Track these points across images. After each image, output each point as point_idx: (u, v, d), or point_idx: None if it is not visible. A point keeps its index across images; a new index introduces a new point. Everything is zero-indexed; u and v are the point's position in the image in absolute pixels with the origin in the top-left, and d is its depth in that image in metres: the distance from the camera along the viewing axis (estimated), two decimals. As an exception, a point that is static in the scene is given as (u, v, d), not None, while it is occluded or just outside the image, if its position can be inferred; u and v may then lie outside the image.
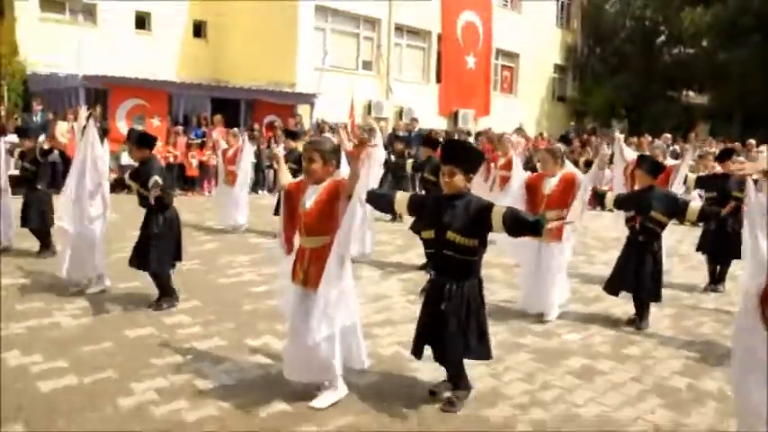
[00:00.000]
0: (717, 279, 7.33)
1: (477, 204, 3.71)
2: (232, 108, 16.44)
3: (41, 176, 7.57)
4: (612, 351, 5.15)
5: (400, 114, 20.11)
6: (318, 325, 3.59)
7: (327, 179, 3.80)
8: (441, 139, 8.95)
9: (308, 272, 3.77)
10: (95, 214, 6.00)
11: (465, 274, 3.74)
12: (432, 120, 21.17)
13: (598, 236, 10.05)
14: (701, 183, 7.70)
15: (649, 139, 17.64)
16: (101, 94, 14.64)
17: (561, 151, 6.03)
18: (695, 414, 4.06)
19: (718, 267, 7.33)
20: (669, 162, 7.58)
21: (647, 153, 12.37)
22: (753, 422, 2.79)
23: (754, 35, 22.59)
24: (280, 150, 4.73)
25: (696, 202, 5.83)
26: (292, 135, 9.84)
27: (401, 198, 4.05)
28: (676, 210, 5.67)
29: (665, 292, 6.76)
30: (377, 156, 8.00)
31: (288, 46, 18.25)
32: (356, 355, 3.90)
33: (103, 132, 8.12)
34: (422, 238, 4.02)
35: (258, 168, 14.83)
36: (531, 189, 6.01)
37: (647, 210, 5.63)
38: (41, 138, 12.12)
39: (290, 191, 4.02)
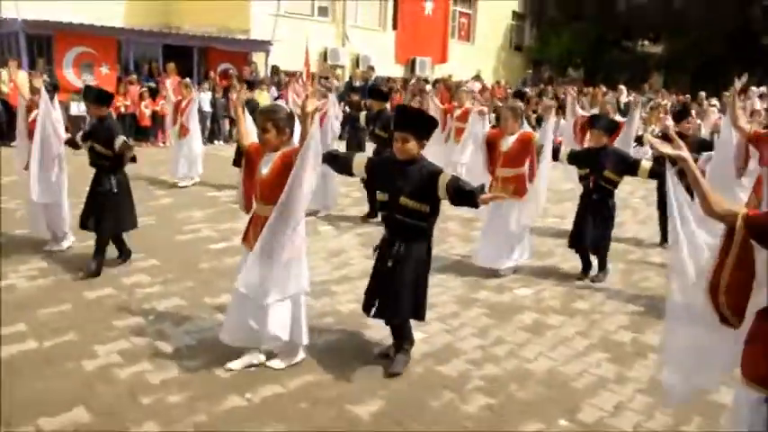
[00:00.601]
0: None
1: (428, 170, 3.77)
2: (185, 56, 16.01)
3: None
4: (562, 306, 5.37)
5: (357, 62, 19.86)
6: (267, 292, 3.64)
7: (282, 148, 3.79)
8: (387, 90, 8.95)
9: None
10: (57, 178, 5.90)
11: (415, 237, 3.82)
12: (389, 68, 20.99)
13: (551, 188, 10.20)
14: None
15: (604, 89, 17.90)
16: (44, 40, 14.06)
17: (521, 110, 6.12)
18: (638, 366, 4.29)
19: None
20: (618, 118, 7.72)
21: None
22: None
23: (709, -16, 22.83)
24: (241, 96, 4.68)
25: (647, 161, 5.97)
26: (250, 84, 9.70)
27: (359, 160, 4.09)
28: (628, 168, 5.82)
29: (615, 246, 7.06)
30: (332, 110, 7.95)
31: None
32: (296, 329, 3.90)
33: (53, 88, 7.77)
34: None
35: (214, 119, 14.60)
36: (490, 146, 6.11)
37: (600, 169, 5.79)
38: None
39: (250, 152, 3.99)
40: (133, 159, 5.54)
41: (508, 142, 5.93)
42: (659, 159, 7.43)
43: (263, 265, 3.65)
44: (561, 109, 16.21)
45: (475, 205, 3.65)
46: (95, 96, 5.58)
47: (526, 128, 6.07)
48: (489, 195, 3.76)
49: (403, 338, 4.01)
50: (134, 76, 14.39)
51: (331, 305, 5.06)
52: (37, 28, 13.66)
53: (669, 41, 26.02)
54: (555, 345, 4.59)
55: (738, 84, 5.90)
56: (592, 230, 5.86)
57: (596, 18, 25.99)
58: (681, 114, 7.71)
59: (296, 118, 3.95)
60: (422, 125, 3.84)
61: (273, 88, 15.79)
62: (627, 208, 9.18)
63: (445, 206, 3.99)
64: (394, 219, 3.80)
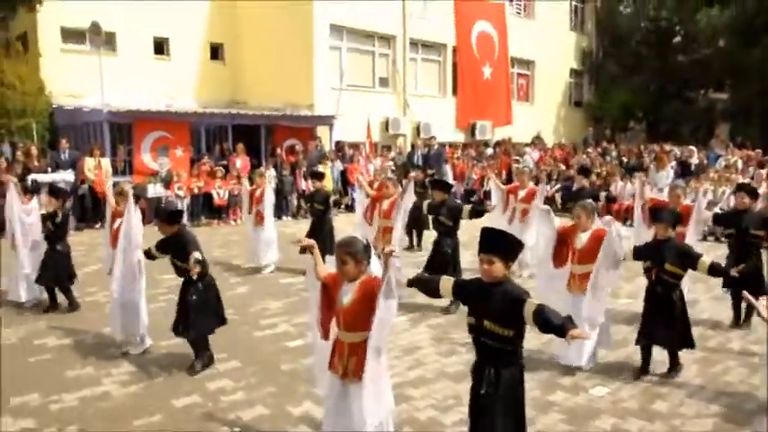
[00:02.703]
0: (743, 316, 7.41)
1: (511, 295, 3.73)
2: (252, 133, 16.77)
3: (62, 236, 7.62)
4: (640, 407, 5.29)
5: (417, 130, 20.29)
6: (358, 422, 3.79)
7: (361, 276, 3.98)
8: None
9: (348, 365, 3.97)
10: (137, 281, 6.27)
11: (504, 362, 3.79)
12: (449, 133, 21.38)
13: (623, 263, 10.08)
14: (719, 220, 7.82)
15: (667, 149, 17.67)
16: (125, 127, 14.99)
17: (594, 207, 6.18)
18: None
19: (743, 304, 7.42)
20: (687, 201, 7.66)
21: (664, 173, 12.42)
22: None
23: (768, 36, 22.52)
24: (311, 241, 4.43)
25: (708, 257, 5.91)
26: (317, 176, 10.06)
27: (445, 285, 4.10)
28: (689, 263, 5.80)
29: (692, 330, 6.94)
30: (407, 206, 8.15)
31: (304, 66, 18.52)
32: None
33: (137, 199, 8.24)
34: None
35: (280, 195, 15.10)
36: (562, 240, 6.17)
37: (661, 262, 5.78)
38: (69, 175, 12.54)
39: (325, 282, 4.20)
40: (199, 276, 5.72)
41: (582, 239, 6.00)
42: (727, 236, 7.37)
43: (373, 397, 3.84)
44: (628, 171, 16.15)
45: (563, 336, 3.59)
46: (167, 217, 5.89)
47: (598, 223, 6.11)
48: (577, 333, 3.59)
49: None
50: (206, 158, 15.09)
51: (408, 411, 5.15)
52: (119, 117, 14.58)
53: (733, 89, 25.58)
54: (636, 455, 4.55)
55: None
56: (662, 328, 5.79)
57: (655, 71, 25.84)
58: (738, 187, 7.67)
59: (371, 248, 4.13)
60: (507, 247, 3.82)
61: (339, 162, 16.27)
62: (698, 281, 8.96)
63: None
64: (480, 342, 3.82)
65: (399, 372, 5.96)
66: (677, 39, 27.25)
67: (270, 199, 9.98)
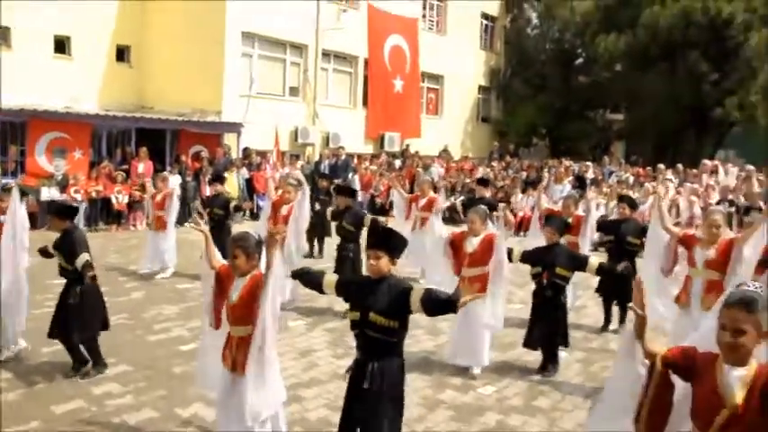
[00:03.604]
0: (619, 319, 7.86)
1: (398, 287, 3.83)
2: (157, 138, 16.34)
3: None
4: (524, 404, 5.54)
5: (327, 140, 20.36)
6: (246, 416, 3.80)
7: (252, 272, 4.01)
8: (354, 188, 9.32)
9: (236, 358, 3.97)
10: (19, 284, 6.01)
11: (388, 355, 3.85)
12: (359, 144, 21.56)
13: (516, 268, 10.48)
14: (601, 227, 8.29)
15: (566, 164, 18.50)
16: (18, 126, 14.28)
17: (486, 212, 6.42)
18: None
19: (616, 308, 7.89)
20: (579, 212, 8.06)
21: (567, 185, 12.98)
22: None
23: (661, 63, 23.99)
24: (205, 227, 4.73)
25: (595, 257, 6.31)
26: (218, 180, 9.93)
27: (329, 280, 4.16)
28: (578, 265, 6.15)
29: (576, 333, 7.33)
30: (303, 214, 8.14)
31: (214, 73, 18.18)
32: None
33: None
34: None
35: (184, 202, 14.75)
36: (455, 246, 6.39)
37: (552, 266, 6.08)
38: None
39: (220, 273, 4.24)
40: (93, 279, 5.58)
41: (473, 243, 6.21)
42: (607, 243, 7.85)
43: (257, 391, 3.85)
44: (528, 185, 16.83)
45: (454, 311, 3.76)
46: (57, 210, 5.73)
47: (490, 228, 6.36)
48: (468, 297, 3.80)
49: None
50: (106, 162, 14.59)
51: (300, 413, 5.17)
52: (11, 115, 13.89)
53: (629, 112, 27.08)
54: (516, 448, 4.76)
55: (662, 189, 6.35)
56: (544, 329, 6.11)
57: (559, 90, 27.04)
58: (620, 198, 8.22)
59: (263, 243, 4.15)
60: (393, 243, 3.93)
61: (245, 169, 16.10)
62: (588, 288, 9.44)
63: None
64: (364, 335, 3.85)
65: (294, 373, 5.98)
66: (579, 61, 28.65)
67: (173, 204, 9.76)
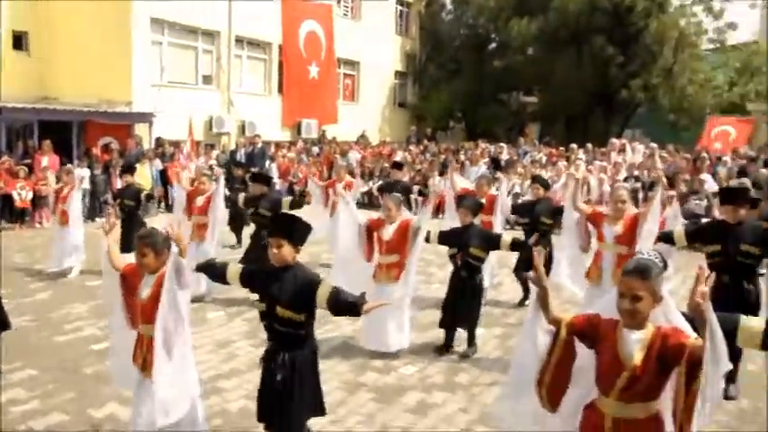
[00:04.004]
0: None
1: (303, 279, 3.76)
2: (62, 131, 15.58)
3: None
4: (445, 381, 5.64)
5: (242, 128, 19.99)
6: (156, 415, 3.67)
7: (162, 269, 3.85)
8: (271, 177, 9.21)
9: (146, 357, 3.82)
10: None
11: (297, 345, 3.81)
12: (275, 131, 21.28)
13: (436, 250, 10.63)
14: (516, 210, 8.51)
15: (483, 146, 18.85)
16: None
17: (400, 199, 6.44)
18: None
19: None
20: (493, 191, 8.22)
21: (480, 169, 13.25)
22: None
23: (570, 47, 24.75)
24: (107, 225, 4.41)
25: (508, 235, 6.47)
26: (127, 171, 9.57)
27: (233, 270, 4.07)
28: (492, 244, 6.28)
29: (495, 310, 7.51)
30: (219, 204, 7.96)
31: (121, 61, 17.45)
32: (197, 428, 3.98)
33: None
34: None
35: (94, 196, 14.19)
36: (371, 233, 6.39)
37: (466, 246, 6.17)
38: None
39: (125, 275, 4.07)
40: None
41: (389, 231, 6.21)
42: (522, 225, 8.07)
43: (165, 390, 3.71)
44: (444, 167, 17.05)
45: (357, 315, 3.72)
46: None
47: (406, 214, 6.39)
48: (371, 305, 3.75)
49: None
50: (6, 157, 13.81)
51: (220, 405, 5.08)
52: None
53: (542, 94, 27.83)
54: (437, 425, 4.83)
55: (578, 173, 6.59)
56: (462, 308, 6.21)
57: (473, 74, 27.49)
58: (533, 179, 8.45)
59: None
60: (296, 230, 3.85)
61: (158, 161, 15.61)
62: (505, 266, 9.68)
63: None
64: (272, 328, 3.80)
65: (213, 365, 5.88)
66: (492, 45, 29.19)
67: (77, 198, 9.33)
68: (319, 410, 3.99)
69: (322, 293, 3.67)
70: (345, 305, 3.68)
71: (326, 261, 9.75)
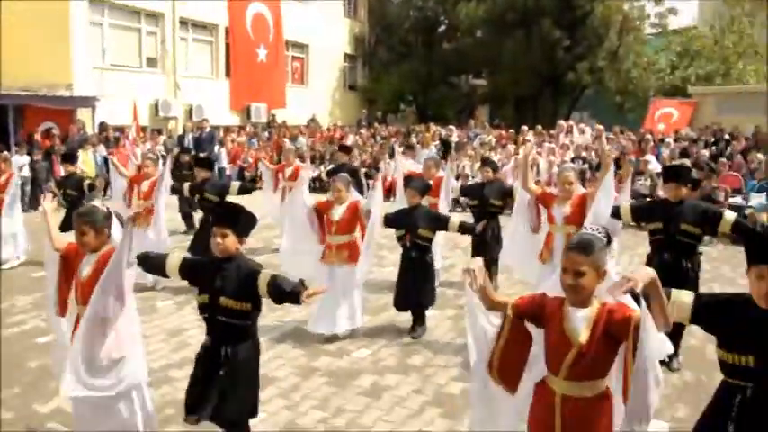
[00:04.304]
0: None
1: (246, 269, 3.69)
2: (-2, 116, 15.02)
3: None
4: (398, 363, 5.67)
5: (190, 113, 19.59)
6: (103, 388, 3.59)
7: (103, 247, 3.76)
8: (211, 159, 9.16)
9: None
10: None
11: (241, 338, 3.73)
12: (224, 115, 20.93)
13: (387, 233, 10.63)
14: (465, 192, 8.56)
15: (434, 129, 18.93)
16: None
17: (349, 180, 6.42)
18: (467, 419, 4.60)
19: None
20: (440, 173, 8.23)
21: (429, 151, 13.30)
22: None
23: (518, 30, 24.98)
24: (47, 204, 4.29)
25: (456, 216, 6.52)
26: (69, 158, 9.26)
27: (172, 261, 3.95)
28: (440, 225, 6.33)
29: (447, 291, 7.57)
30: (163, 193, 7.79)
31: (60, 43, 16.82)
32: (144, 417, 3.89)
33: None
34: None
35: (35, 183, 13.72)
36: (319, 214, 6.36)
37: (415, 228, 6.20)
38: None
39: (65, 255, 3.93)
40: None
41: (339, 211, 6.20)
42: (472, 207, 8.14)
43: (90, 363, 3.58)
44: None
45: (297, 302, 3.62)
46: None
47: (355, 195, 6.38)
48: (311, 291, 3.62)
49: None
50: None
51: (171, 394, 5.00)
52: None
53: (491, 77, 28.07)
54: (392, 406, 4.85)
55: (529, 149, 6.67)
56: (414, 290, 6.23)
57: (423, 57, 27.52)
58: (483, 162, 8.52)
59: (113, 216, 3.90)
60: (241, 221, 3.78)
61: (102, 146, 15.18)
62: (456, 248, 9.78)
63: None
64: (216, 320, 3.70)
65: (164, 354, 5.80)
66: (442, 28, 29.27)
67: (15, 186, 8.99)
68: (254, 411, 3.90)
69: (262, 282, 3.60)
70: (285, 292, 3.59)
71: (278, 246, 9.68)
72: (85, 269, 3.77)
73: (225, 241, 3.65)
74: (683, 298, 2.74)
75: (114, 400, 3.71)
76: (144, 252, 4.14)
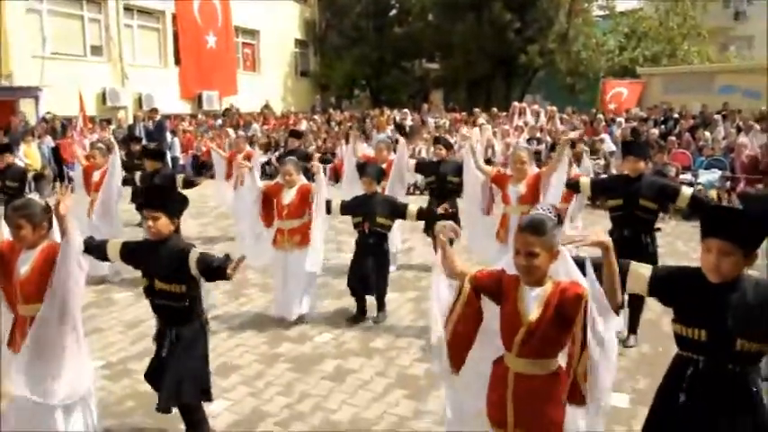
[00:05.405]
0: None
1: (176, 249, 3.66)
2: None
3: None
4: (361, 347, 5.65)
5: (139, 102, 19.12)
6: (54, 393, 3.45)
7: (42, 242, 3.60)
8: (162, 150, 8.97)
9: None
10: None
11: (184, 320, 3.72)
12: (174, 104, 20.52)
13: (346, 219, 10.57)
14: (421, 168, 8.46)
15: (387, 113, 18.88)
16: None
17: (299, 164, 6.33)
18: (432, 399, 4.65)
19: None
20: (392, 156, 8.15)
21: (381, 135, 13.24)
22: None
23: (469, 13, 25.03)
24: None
25: (414, 205, 6.43)
26: (7, 148, 8.86)
27: (113, 247, 3.91)
28: (398, 213, 6.23)
29: (407, 273, 7.58)
30: (115, 180, 7.58)
31: (-5, 32, 16.23)
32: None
33: None
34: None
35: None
36: (268, 199, 6.28)
37: (372, 215, 6.12)
38: None
39: (0, 252, 3.74)
40: None
41: (290, 194, 6.12)
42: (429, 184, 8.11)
43: (40, 366, 3.44)
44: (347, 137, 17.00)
45: (225, 278, 3.57)
46: None
47: (302, 180, 6.30)
48: (234, 264, 3.53)
49: (198, 427, 3.91)
50: None
51: (132, 386, 4.89)
52: None
53: (444, 61, 28.10)
54: (356, 390, 4.84)
55: (476, 132, 6.65)
56: (370, 275, 6.13)
57: (375, 42, 27.39)
58: (435, 140, 8.51)
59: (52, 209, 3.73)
60: (172, 202, 3.75)
61: (49, 137, 14.71)
62: (415, 231, 9.78)
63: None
64: (156, 304, 3.71)
65: (123, 347, 5.68)
66: (393, 12, 29.13)
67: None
68: (207, 394, 3.89)
69: (192, 261, 3.58)
70: (212, 269, 3.57)
71: (235, 235, 9.56)
72: (24, 266, 3.57)
73: (156, 224, 3.63)
74: (641, 270, 2.78)
75: (54, 411, 3.51)
76: (86, 238, 4.00)
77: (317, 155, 10.32)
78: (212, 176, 9.59)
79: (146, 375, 3.91)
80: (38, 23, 17.14)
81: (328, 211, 6.17)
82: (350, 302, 6.74)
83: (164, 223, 3.63)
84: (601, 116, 16.12)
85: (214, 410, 4.32)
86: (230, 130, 16.46)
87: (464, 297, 2.94)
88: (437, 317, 3.11)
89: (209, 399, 3.92)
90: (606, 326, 2.67)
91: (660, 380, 2.84)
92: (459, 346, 2.99)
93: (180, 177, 7.87)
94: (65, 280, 3.37)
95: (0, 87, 15.53)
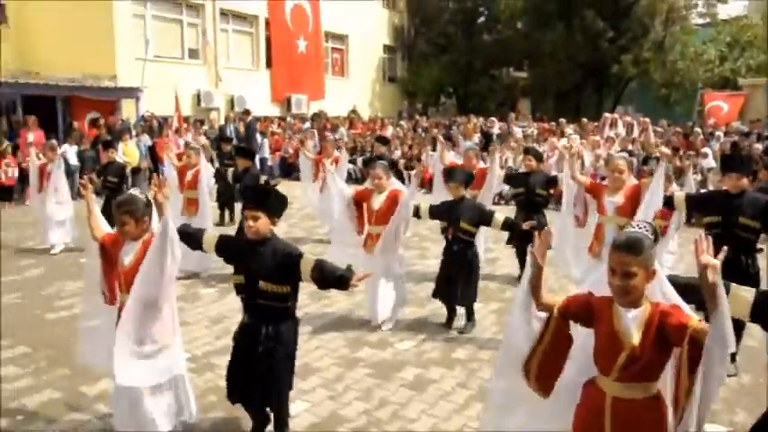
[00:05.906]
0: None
1: (284, 251, 3.67)
2: (47, 106, 15.28)
3: None
4: (442, 357, 5.57)
5: (231, 104, 19.74)
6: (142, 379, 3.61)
7: (144, 235, 3.75)
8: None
9: None
10: None
11: (282, 318, 3.73)
12: (265, 107, 21.05)
13: (432, 225, 10.52)
14: (510, 179, 8.33)
15: (475, 121, 18.71)
16: None
17: (389, 168, 6.32)
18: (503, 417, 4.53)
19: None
20: (481, 165, 8.07)
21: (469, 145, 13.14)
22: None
23: (559, 21, 24.53)
24: (91, 195, 4.33)
25: (500, 214, 6.28)
26: (109, 144, 9.37)
27: (209, 238, 3.99)
28: (484, 220, 6.09)
29: (491, 284, 7.44)
30: (204, 170, 7.84)
31: (104, 35, 17.09)
32: (185, 406, 3.91)
33: None
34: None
35: (82, 173, 13.93)
36: (358, 204, 6.30)
37: (457, 221, 6.01)
38: None
39: (104, 244, 3.94)
40: None
41: (379, 200, 6.12)
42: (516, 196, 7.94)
43: (133, 353, 3.59)
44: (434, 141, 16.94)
45: (345, 288, 3.62)
46: None
47: (394, 183, 6.28)
48: (361, 275, 3.65)
49: (284, 423, 3.98)
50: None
51: (214, 381, 5.00)
52: None
53: (532, 69, 27.65)
54: (436, 400, 4.77)
55: (575, 144, 6.43)
56: (456, 283, 6.04)
57: (463, 49, 27.24)
58: (525, 151, 8.30)
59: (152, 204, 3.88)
60: (273, 203, 3.76)
61: (146, 136, 15.38)
62: (499, 241, 9.61)
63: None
64: (255, 303, 3.70)
65: (207, 341, 5.82)
66: (482, 19, 28.91)
67: (60, 174, 9.12)
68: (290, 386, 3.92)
69: (305, 266, 3.59)
70: (332, 278, 3.59)
71: (321, 236, 9.70)
72: (127, 257, 3.75)
73: (257, 224, 3.64)
74: (743, 293, 2.61)
75: (156, 390, 3.71)
76: (183, 224, 4.14)
77: (403, 161, 10.34)
78: (298, 178, 9.75)
79: (228, 373, 3.90)
80: (141, 28, 17.97)
81: (417, 215, 6.13)
82: (432, 311, 6.69)
83: (264, 223, 3.64)
84: (698, 129, 15.39)
85: (293, 411, 4.35)
86: (315, 133, 16.74)
87: (553, 327, 2.84)
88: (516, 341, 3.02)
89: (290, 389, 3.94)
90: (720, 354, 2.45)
91: (760, 414, 2.65)
92: (549, 373, 2.89)
93: (262, 179, 8.05)
94: (155, 269, 3.50)
95: (105, 88, 16.34)
